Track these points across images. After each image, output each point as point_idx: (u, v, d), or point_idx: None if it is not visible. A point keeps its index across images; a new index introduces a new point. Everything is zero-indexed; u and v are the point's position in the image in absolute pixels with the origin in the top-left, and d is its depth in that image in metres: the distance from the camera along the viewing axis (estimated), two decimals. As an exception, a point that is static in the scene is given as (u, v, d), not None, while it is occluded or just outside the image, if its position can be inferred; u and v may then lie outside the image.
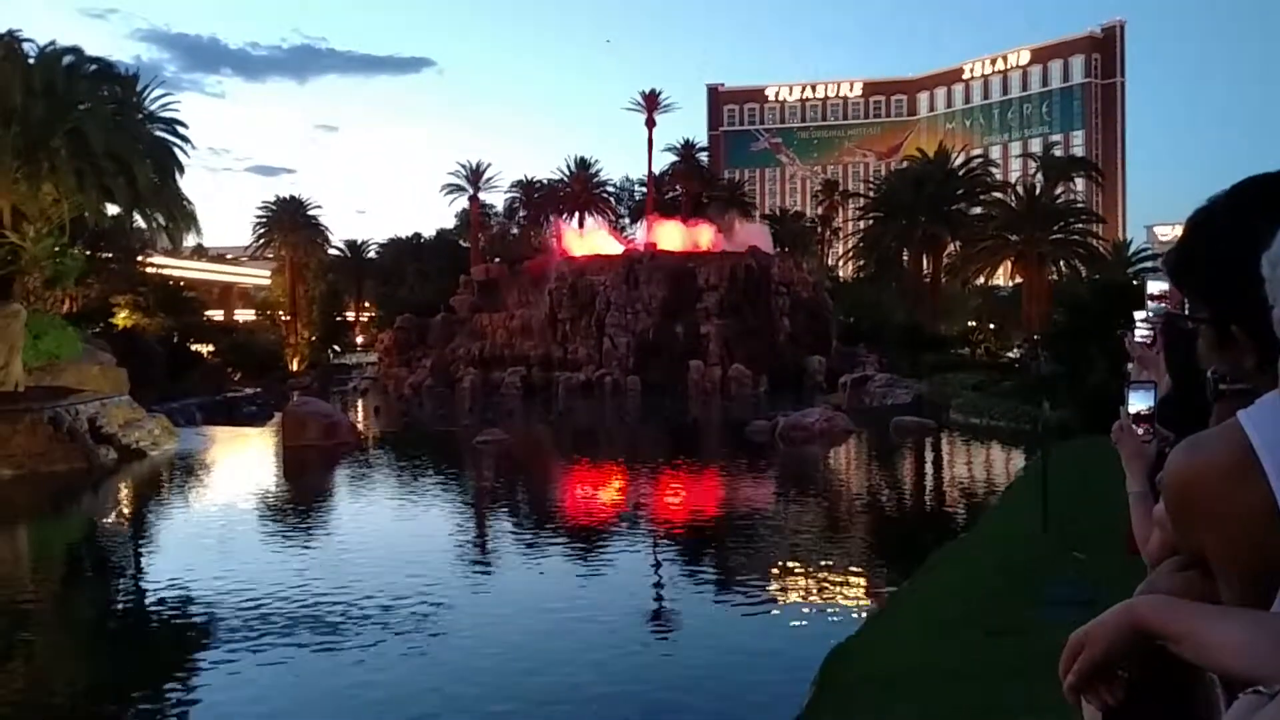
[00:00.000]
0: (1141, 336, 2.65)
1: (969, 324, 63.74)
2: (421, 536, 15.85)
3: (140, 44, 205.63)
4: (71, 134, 35.60)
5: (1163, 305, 2.44)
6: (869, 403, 38.64)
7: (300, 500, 20.41)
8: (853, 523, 17.14)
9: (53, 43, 39.18)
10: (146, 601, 12.31)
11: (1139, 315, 2.65)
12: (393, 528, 16.75)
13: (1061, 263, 54.00)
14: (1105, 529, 9.57)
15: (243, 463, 27.11)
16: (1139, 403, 2.23)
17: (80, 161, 35.66)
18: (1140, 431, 2.22)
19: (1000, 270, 60.32)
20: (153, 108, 43.85)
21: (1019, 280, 59.35)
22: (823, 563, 13.31)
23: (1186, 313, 1.50)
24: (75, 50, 40.10)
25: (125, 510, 20.13)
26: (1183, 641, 1.20)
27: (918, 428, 28.96)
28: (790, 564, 13.28)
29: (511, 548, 14.97)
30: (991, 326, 62.91)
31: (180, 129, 43.68)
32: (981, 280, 60.46)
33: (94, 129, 36.13)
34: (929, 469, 24.96)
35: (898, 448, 27.20)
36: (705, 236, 60.90)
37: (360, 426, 33.42)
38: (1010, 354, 51.98)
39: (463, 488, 22.21)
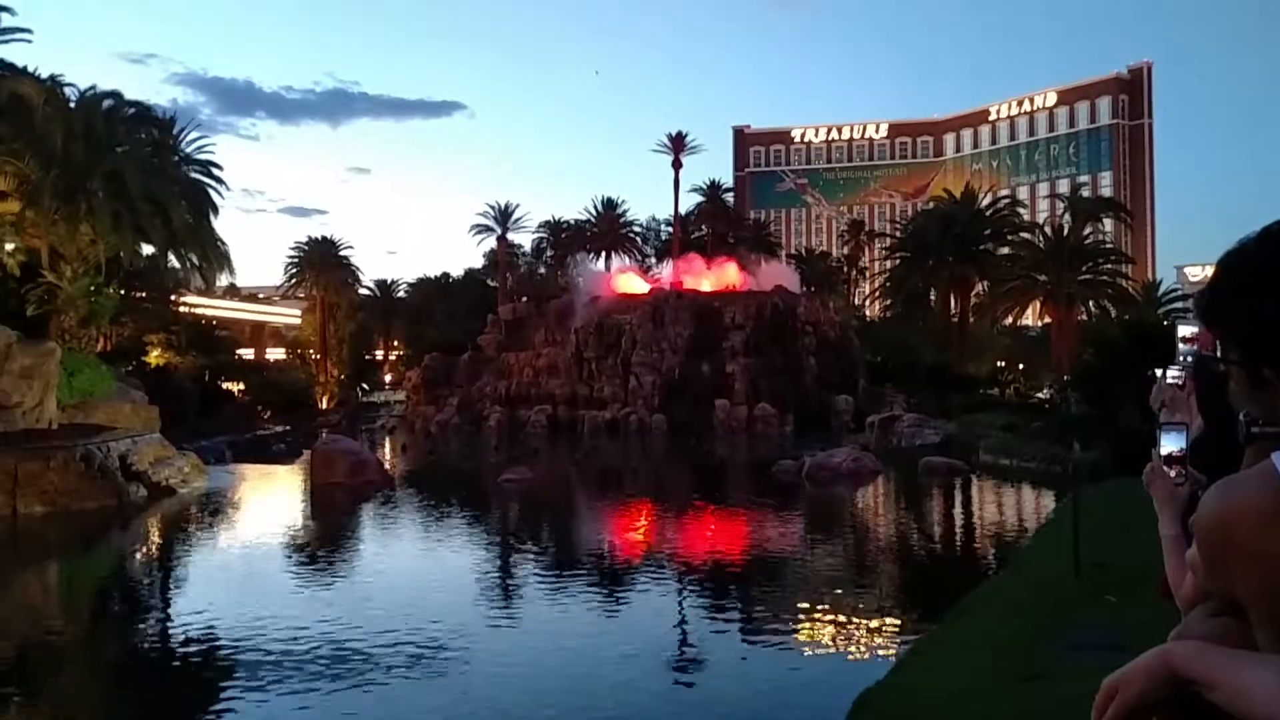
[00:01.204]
0: (1173, 378, 2.63)
1: (998, 364, 63.31)
2: (447, 575, 15.79)
3: (177, 88, 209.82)
4: (109, 176, 36.29)
5: (1193, 348, 2.43)
6: (897, 443, 38.37)
7: (327, 539, 20.43)
8: (881, 564, 16.94)
9: (93, 87, 40.14)
10: (172, 639, 12.34)
11: (1171, 370, 2.63)
12: (418, 566, 16.72)
13: (1090, 303, 53.63)
14: (1137, 572, 9.41)
15: (271, 500, 27.20)
16: (1171, 444, 2.21)
17: (117, 203, 36.30)
18: (1173, 473, 2.20)
19: (1029, 310, 59.95)
20: (189, 150, 44.66)
21: (1048, 320, 58.92)
22: (851, 605, 13.16)
23: (1218, 355, 1.49)
24: (115, 94, 41.05)
25: (154, 547, 20.24)
26: (1216, 688, 1.18)
27: (946, 468, 28.68)
28: (818, 606, 13.12)
29: (536, 587, 14.88)
30: (1020, 367, 62.43)
31: (215, 170, 44.45)
32: (1010, 320, 60.11)
33: (131, 171, 36.83)
34: (958, 510, 24.68)
35: (926, 488, 26.94)
36: (731, 276, 61.02)
37: (387, 464, 33.49)
38: (1040, 394, 51.53)
39: (488, 527, 22.16)
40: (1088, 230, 59.51)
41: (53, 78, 38.54)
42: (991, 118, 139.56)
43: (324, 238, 76.94)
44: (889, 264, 69.62)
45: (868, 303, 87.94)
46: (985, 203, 65.80)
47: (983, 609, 10.88)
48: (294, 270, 75.56)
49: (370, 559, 17.64)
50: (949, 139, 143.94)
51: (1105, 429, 24.35)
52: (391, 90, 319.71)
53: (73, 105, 38.33)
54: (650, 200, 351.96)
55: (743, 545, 18.77)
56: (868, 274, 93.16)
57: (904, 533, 20.54)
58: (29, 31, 37.07)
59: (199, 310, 60.49)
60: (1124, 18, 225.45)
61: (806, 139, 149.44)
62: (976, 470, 29.36)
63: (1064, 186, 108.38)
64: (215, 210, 43.45)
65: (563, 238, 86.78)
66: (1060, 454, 25.44)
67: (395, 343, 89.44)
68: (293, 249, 76.22)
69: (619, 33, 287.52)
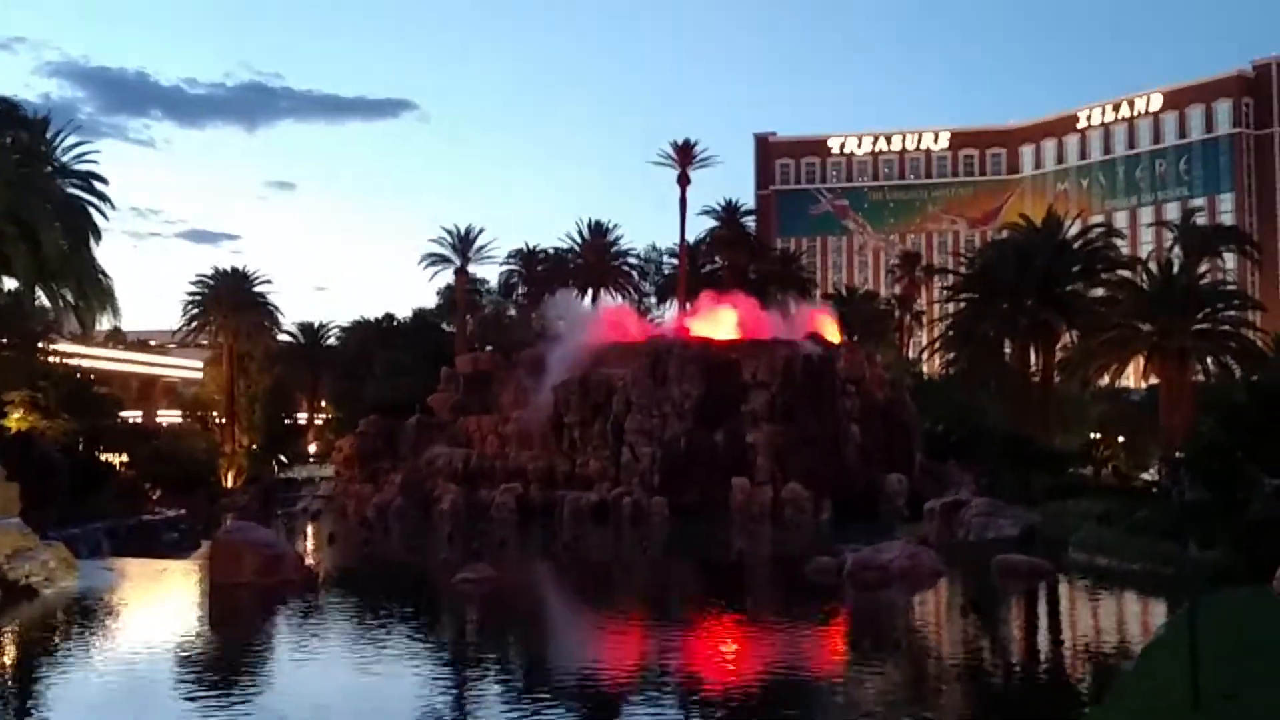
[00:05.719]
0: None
1: (1091, 436, 63.39)
2: (387, 703, 15.73)
3: (50, 80, 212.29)
4: (-38, 190, 36.47)
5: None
6: (964, 535, 38.41)
7: (231, 655, 20.36)
8: (943, 693, 16.95)
9: (-57, 79, 40.62)
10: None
11: None
12: (349, 691, 16.65)
13: (1209, 360, 53.86)
14: (1276, 706, 9.35)
15: (160, 605, 27.08)
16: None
17: (-31, 224, 36.44)
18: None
19: (1130, 368, 60.16)
20: (65, 158, 44.94)
21: (1155, 381, 59.09)
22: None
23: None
24: (-29, 87, 41.47)
25: (6, 666, 20.08)
26: None
27: (1027, 569, 28.84)
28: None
29: (501, 719, 14.82)
30: (1120, 440, 62.51)
31: (98, 184, 44.67)
32: (1106, 380, 60.28)
33: (-10, 184, 37.03)
34: (1042, 623, 24.78)
35: (1001, 595, 27.13)
36: (753, 321, 61.22)
37: (310, 560, 33.43)
38: (1145, 475, 51.58)
39: (440, 641, 22.15)
40: (1204, 267, 60.00)
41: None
42: (1080, 125, 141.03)
43: (234, 270, 77.38)
44: (951, 307, 69.96)
45: (925, 356, 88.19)
46: (1073, 232, 66.32)
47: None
48: (195, 311, 75.80)
49: (286, 683, 17.56)
50: (1026, 152, 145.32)
51: (1230, 521, 24.37)
52: (323, 85, 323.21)
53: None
54: (650, 225, 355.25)
55: (766, 666, 18.74)
56: (925, 319, 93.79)
57: (972, 651, 20.61)
58: None
59: (73, 361, 60.49)
60: (1248, 2, 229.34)
61: (847, 150, 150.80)
62: (1065, 572, 29.47)
63: (1173, 212, 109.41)
64: (97, 234, 43.57)
65: (539, 271, 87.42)
66: (1172, 553, 25.46)
67: (323, 403, 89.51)
68: (194, 284, 76.63)
69: (609, 13, 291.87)
